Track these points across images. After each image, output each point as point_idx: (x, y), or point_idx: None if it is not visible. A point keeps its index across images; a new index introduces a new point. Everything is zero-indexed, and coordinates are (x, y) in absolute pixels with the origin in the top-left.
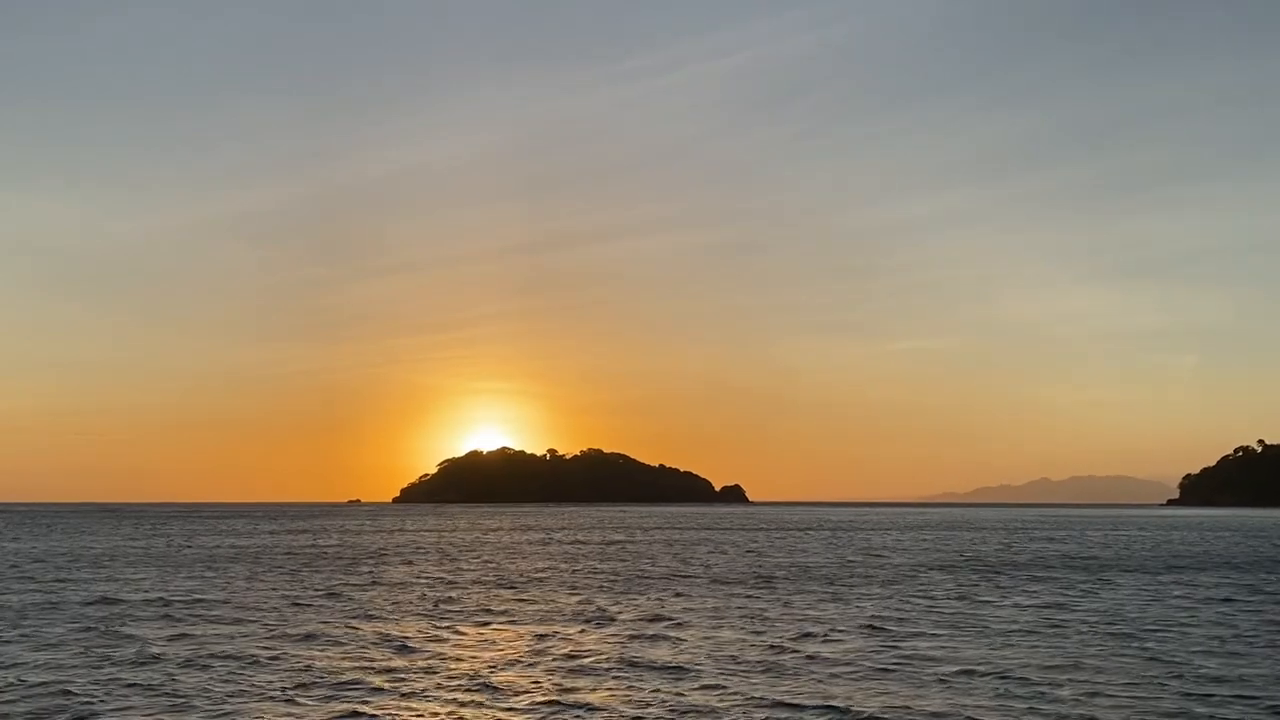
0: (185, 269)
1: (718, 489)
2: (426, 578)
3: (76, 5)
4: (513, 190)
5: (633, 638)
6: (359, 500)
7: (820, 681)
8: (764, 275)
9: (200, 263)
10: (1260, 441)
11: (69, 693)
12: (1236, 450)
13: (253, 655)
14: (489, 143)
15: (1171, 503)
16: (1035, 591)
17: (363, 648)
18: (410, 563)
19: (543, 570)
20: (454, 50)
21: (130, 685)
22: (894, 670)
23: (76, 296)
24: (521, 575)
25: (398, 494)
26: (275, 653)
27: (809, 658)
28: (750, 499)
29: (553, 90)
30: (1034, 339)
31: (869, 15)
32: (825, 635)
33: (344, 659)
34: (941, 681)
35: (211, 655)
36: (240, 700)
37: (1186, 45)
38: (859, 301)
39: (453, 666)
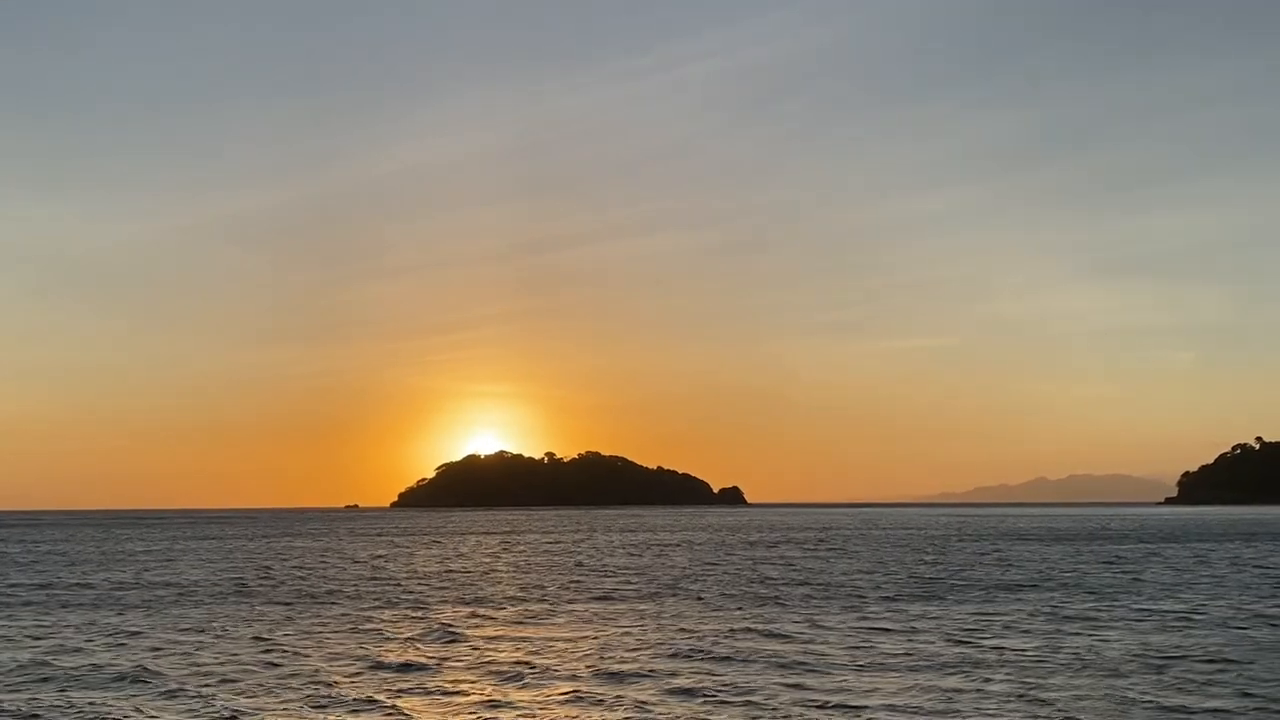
0: (183, 272)
1: (716, 491)
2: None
3: (76, 10)
4: (512, 190)
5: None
6: (357, 505)
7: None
8: (761, 275)
9: (198, 266)
10: (1258, 439)
11: None
12: (1235, 448)
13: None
14: (489, 143)
15: (1169, 501)
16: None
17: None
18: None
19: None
20: (454, 50)
21: None
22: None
23: (76, 301)
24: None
25: (395, 498)
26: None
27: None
28: (749, 501)
29: (552, 90)
30: (1030, 337)
31: (864, 13)
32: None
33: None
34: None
35: None
36: None
37: (1181, 41)
38: (856, 301)
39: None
